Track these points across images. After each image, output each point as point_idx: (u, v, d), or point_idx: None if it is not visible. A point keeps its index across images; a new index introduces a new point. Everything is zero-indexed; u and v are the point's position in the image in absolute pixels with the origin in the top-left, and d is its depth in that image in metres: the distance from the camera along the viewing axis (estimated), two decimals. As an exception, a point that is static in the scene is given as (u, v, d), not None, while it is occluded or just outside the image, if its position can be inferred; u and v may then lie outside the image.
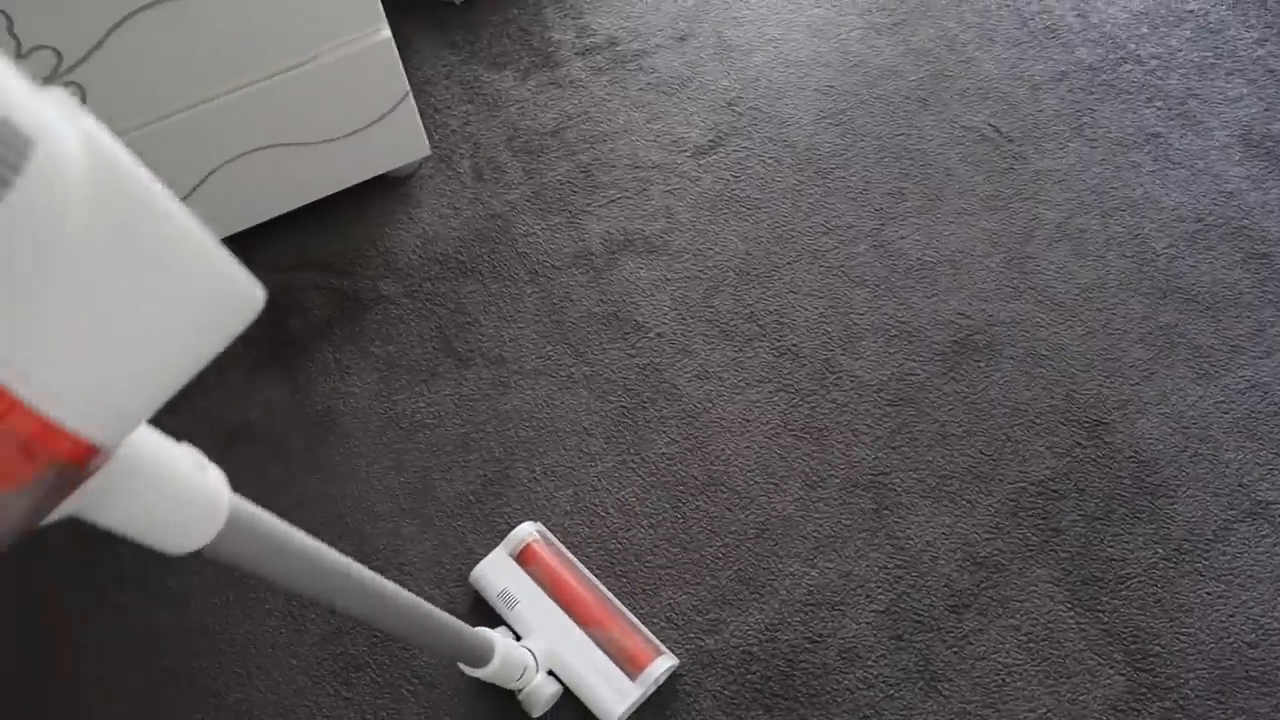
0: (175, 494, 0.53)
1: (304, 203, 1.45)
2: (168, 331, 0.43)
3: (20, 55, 1.12)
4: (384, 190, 1.52)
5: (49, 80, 1.15)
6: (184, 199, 1.34)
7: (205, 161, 1.33)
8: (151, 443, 0.51)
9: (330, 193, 1.47)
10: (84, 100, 1.19)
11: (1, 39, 1.09)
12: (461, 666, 1.05)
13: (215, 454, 1.34)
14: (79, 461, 0.42)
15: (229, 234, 1.44)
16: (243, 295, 0.44)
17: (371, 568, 1.26)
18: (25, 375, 0.39)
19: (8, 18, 1.09)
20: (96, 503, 0.49)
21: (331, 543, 1.28)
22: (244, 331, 1.42)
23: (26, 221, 0.36)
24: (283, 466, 1.33)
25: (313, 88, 1.30)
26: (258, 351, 1.41)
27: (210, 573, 1.27)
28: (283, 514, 1.30)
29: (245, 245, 1.48)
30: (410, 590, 1.25)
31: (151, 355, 0.43)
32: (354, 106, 1.35)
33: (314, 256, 1.47)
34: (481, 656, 0.99)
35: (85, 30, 1.13)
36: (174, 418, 1.37)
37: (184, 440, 1.36)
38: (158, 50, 1.19)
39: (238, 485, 1.32)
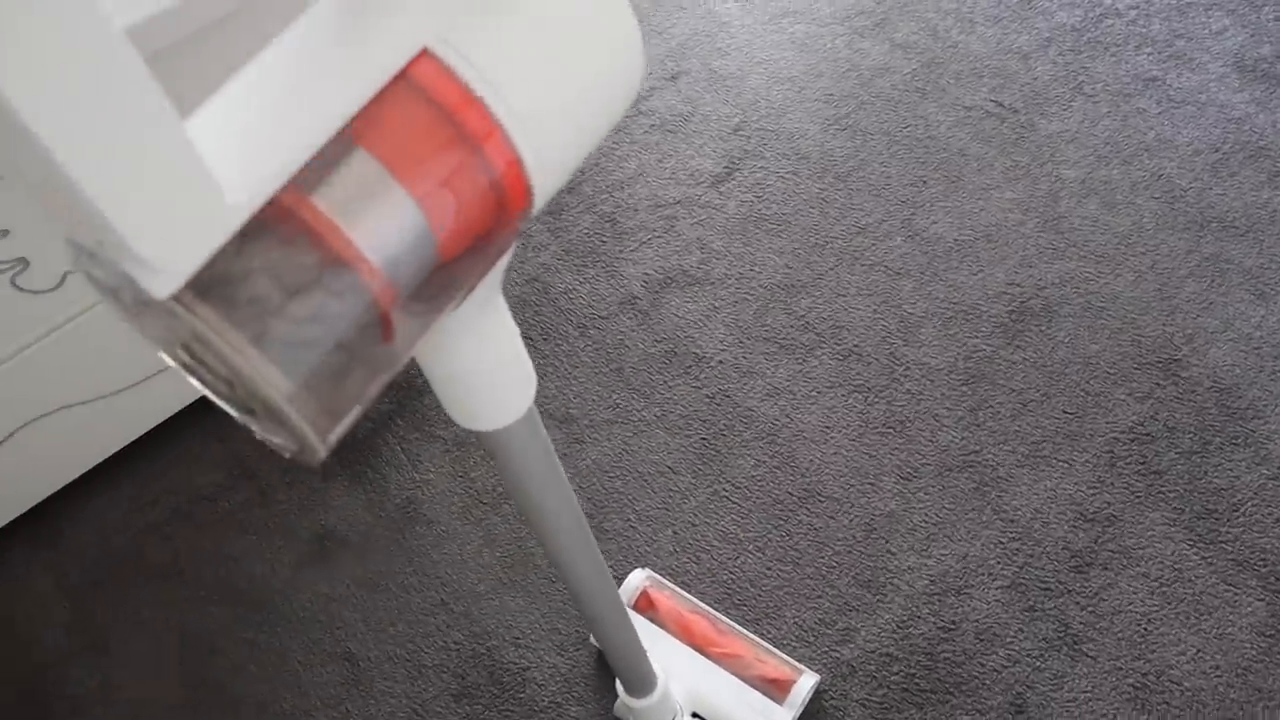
0: (516, 351, 0.52)
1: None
2: (599, 82, 0.41)
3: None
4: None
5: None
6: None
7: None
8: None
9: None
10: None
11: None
12: (621, 697, 1.02)
13: (305, 563, 1.32)
14: (520, 215, 0.40)
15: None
16: (639, 60, 0.42)
17: (487, 648, 1.24)
18: (506, 98, 0.37)
19: None
20: (454, 343, 0.48)
21: (440, 631, 1.25)
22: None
23: None
24: (375, 565, 1.30)
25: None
26: (325, 460, 1.39)
27: (324, 684, 1.24)
28: (386, 611, 1.27)
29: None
30: (531, 661, 1.22)
31: (586, 107, 0.41)
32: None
33: (359, 355, 1.46)
34: (647, 682, 0.97)
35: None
36: (250, 537, 1.34)
37: (273, 558, 1.33)
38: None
39: (335, 591, 1.29)
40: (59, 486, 1.37)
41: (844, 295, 1.42)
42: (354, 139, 0.34)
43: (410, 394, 1.42)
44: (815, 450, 1.31)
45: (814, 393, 1.35)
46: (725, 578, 1.25)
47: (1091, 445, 1.28)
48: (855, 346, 1.38)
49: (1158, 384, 1.31)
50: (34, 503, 1.36)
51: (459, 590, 1.28)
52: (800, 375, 1.37)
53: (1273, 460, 1.25)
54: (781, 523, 1.27)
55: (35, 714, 1.27)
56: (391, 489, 1.35)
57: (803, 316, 1.41)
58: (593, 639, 1.21)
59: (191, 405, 1.41)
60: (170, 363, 0.38)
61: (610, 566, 1.27)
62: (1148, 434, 1.28)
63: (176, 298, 0.31)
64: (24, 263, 1.13)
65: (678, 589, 1.23)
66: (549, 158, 0.40)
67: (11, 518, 1.35)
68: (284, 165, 0.33)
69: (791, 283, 1.44)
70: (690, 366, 1.39)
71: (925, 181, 1.50)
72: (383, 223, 0.35)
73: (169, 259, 0.29)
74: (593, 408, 1.37)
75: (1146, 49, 1.59)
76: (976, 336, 1.37)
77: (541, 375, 1.41)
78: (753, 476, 1.30)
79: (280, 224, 0.33)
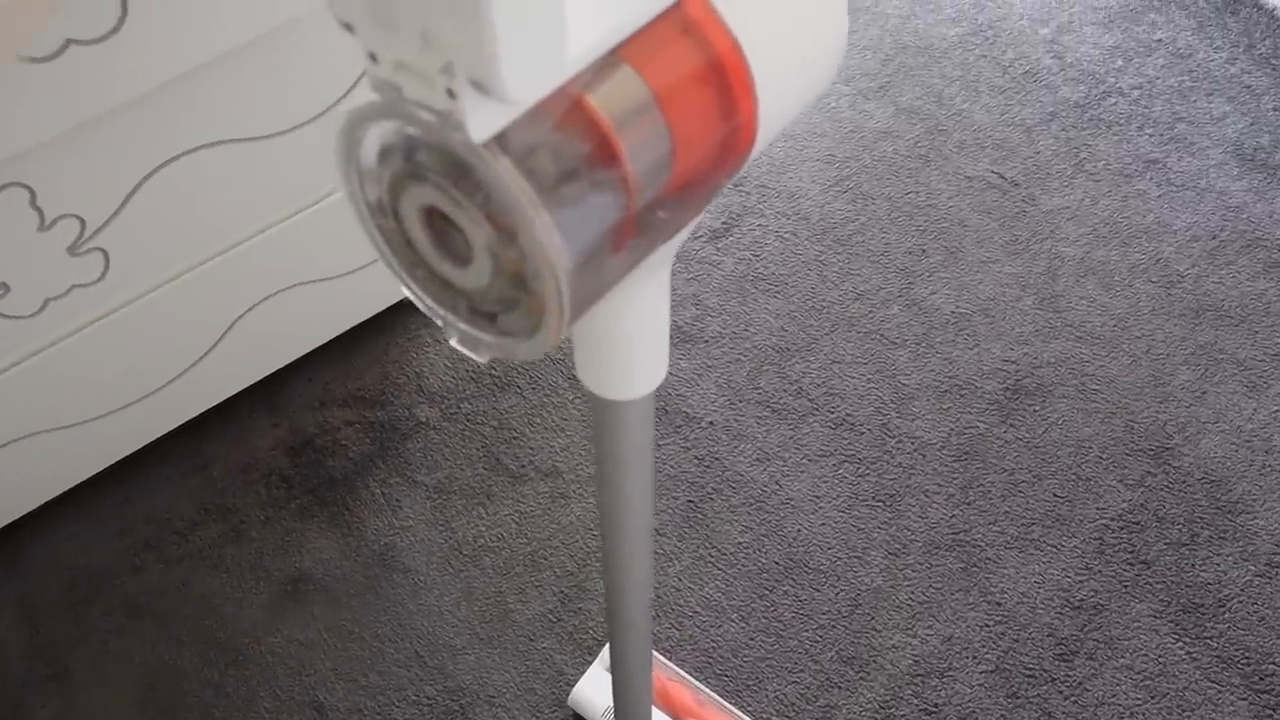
0: (666, 325, 0.55)
1: (328, 338, 1.42)
2: (820, 49, 0.46)
3: (44, 227, 1.08)
4: (404, 313, 1.49)
5: (73, 249, 1.12)
6: (209, 352, 1.30)
7: (231, 310, 1.29)
8: None
9: (353, 324, 1.43)
10: (108, 264, 1.15)
11: (24, 212, 1.06)
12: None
13: (277, 606, 1.28)
14: (731, 171, 0.45)
15: (255, 380, 1.40)
16: (843, 35, 0.47)
17: (460, 705, 1.21)
18: (757, 50, 0.41)
19: (30, 190, 1.05)
20: (626, 298, 0.50)
21: (413, 684, 1.22)
22: (283, 478, 1.37)
23: None
24: (349, 612, 1.27)
25: (335, 220, 1.28)
26: (301, 497, 1.36)
27: (292, 736, 1.20)
28: (358, 660, 1.24)
29: (269, 390, 1.43)
30: (506, 723, 1.20)
31: (808, 72, 0.45)
32: (373, 235, 1.33)
33: (342, 392, 1.43)
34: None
35: (107, 194, 1.10)
36: (222, 575, 1.31)
37: (243, 599, 1.30)
38: (181, 204, 1.16)
39: (306, 636, 1.26)
40: (29, 510, 1.33)
41: (839, 362, 1.41)
42: (627, 60, 0.39)
43: (394, 437, 1.39)
44: (804, 519, 1.30)
45: (805, 460, 1.34)
46: (706, 645, 1.23)
47: (1081, 530, 1.28)
48: (848, 415, 1.37)
49: (1149, 472, 1.31)
50: (4, 522, 1.31)
51: (434, 643, 1.25)
52: (791, 442, 1.35)
53: (1260, 557, 1.25)
54: (766, 592, 1.26)
55: (-13, 749, 1.23)
56: (369, 534, 1.33)
57: (796, 381, 1.40)
58: (570, 701, 1.19)
59: (167, 435, 1.38)
60: (379, 245, 0.42)
61: (591, 629, 1.25)
62: (1137, 522, 1.28)
63: (489, 148, 0.35)
64: (4, 288, 1.10)
65: (658, 655, 1.21)
66: (771, 118, 0.44)
67: (-26, 542, 1.31)
68: (609, 33, 0.37)
69: (786, 345, 1.42)
70: (680, 425, 1.37)
71: (925, 251, 1.49)
72: (641, 138, 0.39)
73: (515, 89, 0.32)
74: (579, 463, 1.35)
75: (1148, 130, 1.59)
76: (970, 412, 1.36)
77: (529, 426, 1.39)
78: (739, 543, 1.29)
79: (561, 109, 0.37)
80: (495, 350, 0.42)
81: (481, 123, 0.34)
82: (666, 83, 0.39)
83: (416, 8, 0.31)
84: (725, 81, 0.41)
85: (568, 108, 0.37)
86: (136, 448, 1.36)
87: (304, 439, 1.40)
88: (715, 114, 0.42)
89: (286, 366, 1.43)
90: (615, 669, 0.88)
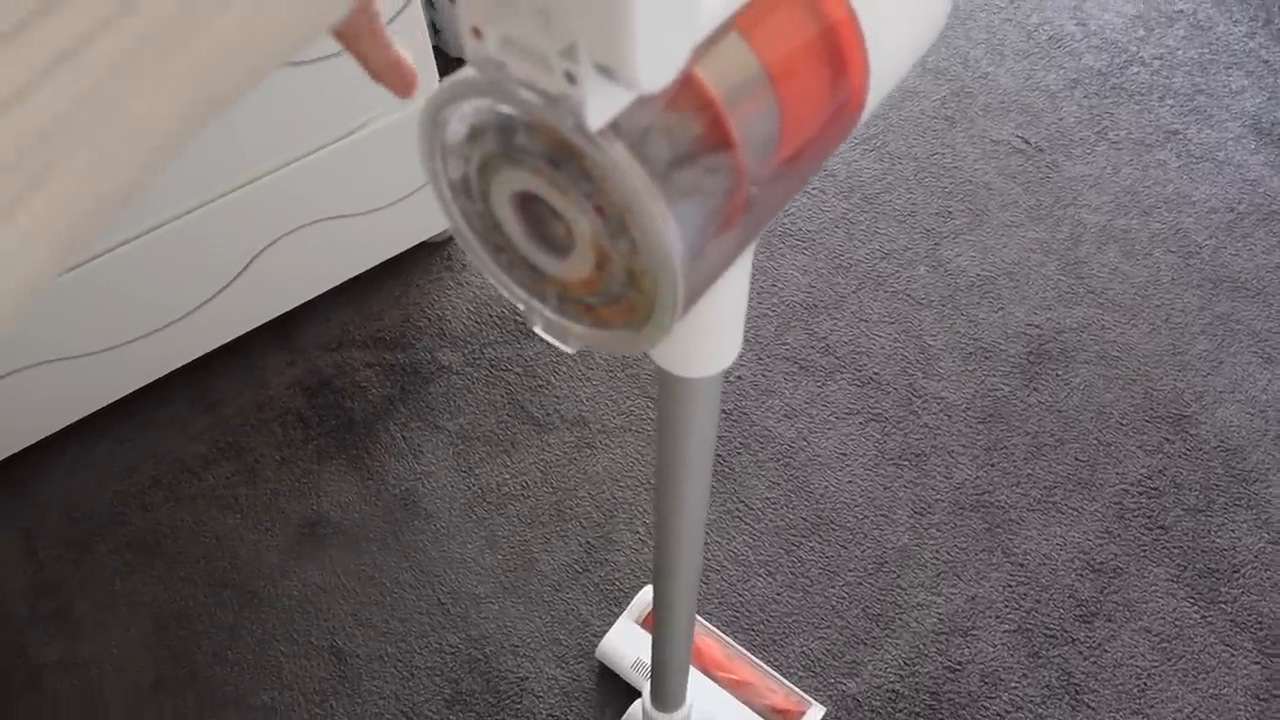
0: (744, 299, 0.52)
1: (348, 277, 1.38)
2: (924, 18, 0.43)
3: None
4: (426, 255, 1.46)
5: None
6: (230, 284, 1.26)
7: (252, 244, 1.25)
8: None
9: (374, 264, 1.40)
10: (133, 191, 1.11)
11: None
12: (645, 709, 1.00)
13: (294, 549, 1.26)
14: (838, 142, 0.42)
15: (274, 316, 1.36)
16: (947, 4, 0.45)
17: (484, 654, 1.20)
18: (871, 24, 0.39)
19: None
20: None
21: (435, 631, 1.21)
22: (300, 419, 1.34)
23: None
24: (369, 557, 1.25)
25: (360, 157, 1.24)
26: (319, 438, 1.33)
27: (308, 679, 1.18)
28: (379, 606, 1.22)
29: (287, 327, 1.40)
30: (530, 671, 1.19)
31: (913, 43, 0.43)
32: (399, 173, 1.30)
33: (361, 333, 1.40)
34: (678, 698, 0.95)
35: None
36: (235, 516, 1.28)
37: (259, 541, 1.27)
38: (208, 130, 1.12)
39: (325, 580, 1.24)
40: (32, 442, 1.29)
41: (866, 321, 1.40)
42: (739, 31, 0.35)
43: (416, 380, 1.36)
44: (830, 477, 1.30)
45: (831, 418, 1.33)
46: (734, 600, 1.23)
47: (1101, 495, 1.29)
48: (875, 374, 1.36)
49: (1167, 439, 1.33)
50: (7, 454, 1.27)
51: (457, 591, 1.23)
52: (818, 398, 1.35)
53: (1273, 525, 1.27)
54: (793, 548, 1.25)
55: (-7, 687, 1.19)
56: (390, 479, 1.30)
57: (824, 338, 1.39)
58: (598, 652, 1.18)
59: (176, 372, 1.34)
60: (460, 226, 0.39)
61: (617, 581, 1.24)
62: (1155, 488, 1.30)
63: (605, 135, 0.31)
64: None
65: (687, 608, 1.20)
66: (879, 84, 0.41)
67: (-21, 474, 1.27)
68: (726, 4, 0.34)
69: (814, 302, 1.42)
70: (707, 378, 1.36)
71: (950, 212, 1.49)
72: (752, 116, 0.36)
73: (648, 77, 0.29)
74: (606, 413, 1.34)
75: (1169, 101, 1.60)
76: (995, 375, 1.37)
77: (554, 374, 1.37)
78: (766, 499, 1.28)
79: (673, 91, 0.33)
80: (589, 341, 0.39)
81: (600, 109, 0.30)
82: (779, 54, 0.36)
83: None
84: (839, 52, 0.38)
85: (679, 85, 0.33)
86: (145, 383, 1.32)
87: (321, 379, 1.37)
88: (827, 86, 0.39)
89: (301, 306, 1.39)
90: (659, 623, 0.87)
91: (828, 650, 1.20)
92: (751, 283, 1.43)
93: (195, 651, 1.21)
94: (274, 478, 1.31)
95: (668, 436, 0.61)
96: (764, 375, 1.36)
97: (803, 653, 1.20)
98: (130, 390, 1.31)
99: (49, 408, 1.27)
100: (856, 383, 1.36)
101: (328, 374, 1.37)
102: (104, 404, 1.31)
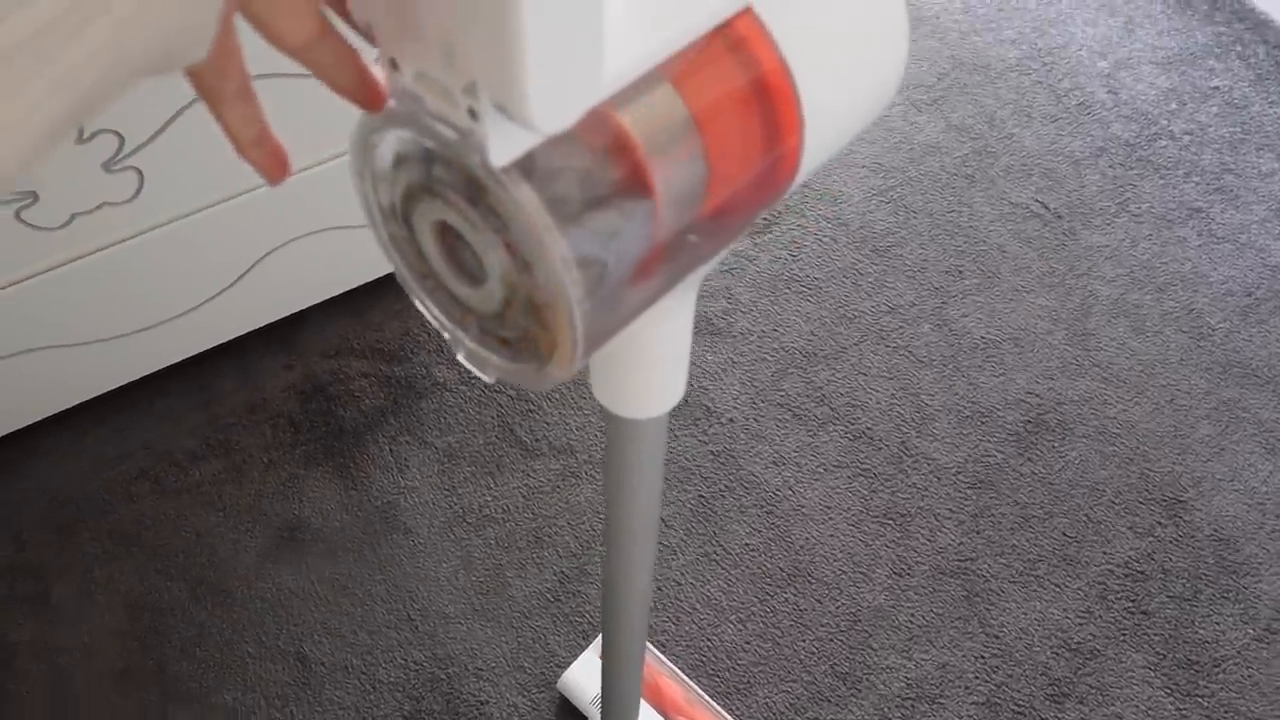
0: (687, 349, 0.52)
1: (351, 286, 1.39)
2: (873, 78, 0.42)
3: (81, 139, 1.05)
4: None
5: (108, 165, 1.09)
6: (233, 285, 1.27)
7: (258, 247, 1.26)
8: None
9: (378, 276, 1.41)
10: (141, 185, 1.12)
11: (67, 123, 1.02)
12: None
13: (271, 552, 1.26)
14: (772, 202, 0.41)
15: (275, 319, 1.37)
16: (902, 60, 0.44)
17: (448, 674, 1.19)
18: (806, 78, 0.38)
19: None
20: (650, 321, 0.48)
21: (401, 647, 1.21)
22: (292, 422, 1.35)
23: None
24: (344, 566, 1.26)
25: (376, 170, 1.25)
26: (308, 444, 1.33)
27: (271, 683, 1.19)
28: (348, 616, 1.22)
29: (288, 331, 1.40)
30: (491, 696, 1.18)
31: (860, 101, 0.42)
32: (412, 188, 1.30)
33: (360, 342, 1.41)
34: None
35: (150, 115, 1.07)
36: (218, 514, 1.28)
37: (238, 541, 1.27)
38: (220, 136, 1.13)
39: (299, 586, 1.24)
40: (25, 424, 1.30)
41: (864, 374, 1.39)
42: (668, 79, 0.35)
43: (409, 394, 1.37)
44: (812, 528, 1.29)
45: (819, 469, 1.33)
46: (702, 644, 1.22)
47: (1085, 573, 1.27)
48: (868, 429, 1.35)
49: (1159, 522, 1.31)
50: (1, 434, 1.29)
51: (427, 609, 1.23)
52: (808, 448, 1.34)
53: (1260, 621, 1.25)
54: (767, 598, 1.25)
55: (-38, 662, 1.20)
56: (374, 490, 1.31)
57: (820, 388, 1.38)
58: (560, 685, 1.18)
59: (176, 365, 1.35)
60: (389, 250, 0.39)
61: (588, 614, 1.23)
62: (1142, 572, 1.28)
63: (508, 174, 0.32)
64: (33, 196, 1.07)
65: (653, 649, 1.20)
66: (818, 147, 0.41)
67: (-30, 450, 1.28)
68: (651, 53, 0.34)
69: (814, 350, 1.41)
70: (699, 419, 1.36)
71: (961, 272, 1.48)
72: (676, 165, 0.36)
73: (543, 119, 0.29)
74: (594, 444, 1.33)
75: (1195, 178, 1.58)
76: (990, 441, 1.35)
77: (547, 400, 1.37)
78: (745, 544, 1.27)
79: (593, 134, 0.34)
80: (503, 374, 0.39)
81: (504, 146, 0.31)
82: (707, 103, 0.36)
83: (443, 19, 0.28)
84: (770, 106, 0.38)
85: (598, 127, 0.34)
86: (142, 374, 1.33)
87: (316, 385, 1.37)
88: (758, 141, 0.38)
89: (303, 312, 1.40)
90: (607, 663, 0.86)
91: (791, 704, 1.19)
92: (751, 324, 1.42)
93: (164, 645, 1.22)
94: (259, 479, 1.31)
95: (612, 473, 0.61)
96: (756, 420, 1.35)
97: (765, 704, 1.19)
98: (128, 380, 1.33)
99: (46, 392, 1.29)
100: (849, 436, 1.35)
101: (323, 380, 1.38)
102: (101, 392, 1.32)
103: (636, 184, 0.35)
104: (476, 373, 0.40)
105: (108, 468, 1.32)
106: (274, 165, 0.39)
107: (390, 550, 1.27)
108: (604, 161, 0.34)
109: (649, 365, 0.52)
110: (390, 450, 1.33)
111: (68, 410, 1.33)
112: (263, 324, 1.36)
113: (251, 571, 1.26)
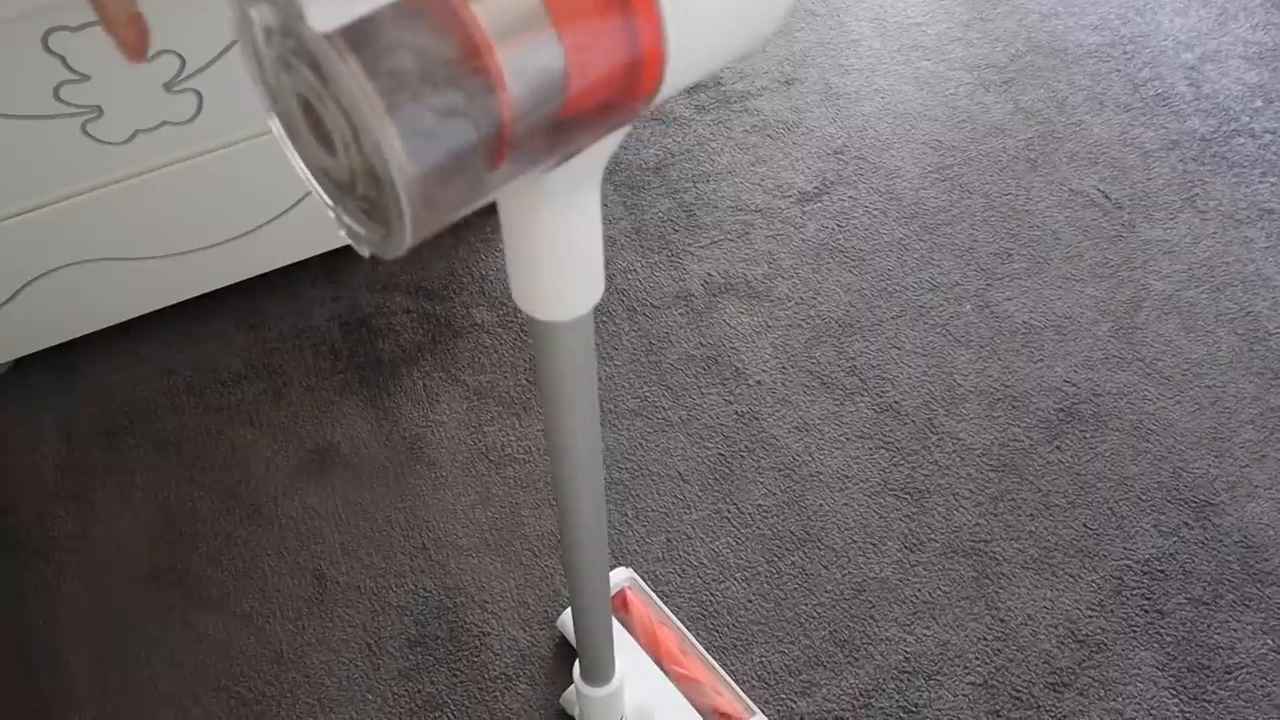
0: (594, 247, 0.52)
1: (401, 224, 1.43)
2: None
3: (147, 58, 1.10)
4: (481, 215, 1.50)
5: (169, 85, 1.14)
6: (286, 212, 1.32)
7: (311, 177, 1.30)
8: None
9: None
10: (200, 108, 1.17)
11: (129, 42, 1.07)
12: (575, 683, 1.01)
13: (301, 472, 1.31)
14: (644, 100, 0.42)
15: (323, 251, 1.41)
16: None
17: (454, 603, 1.23)
18: None
19: (138, 21, 1.07)
20: (541, 214, 0.49)
21: (413, 574, 1.25)
22: (333, 351, 1.40)
23: None
24: (368, 492, 1.30)
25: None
26: (345, 373, 1.38)
27: (287, 596, 1.24)
28: (367, 540, 1.27)
29: (336, 263, 1.45)
30: (493, 628, 1.21)
31: (736, 14, 0.42)
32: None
33: (406, 280, 1.45)
34: (606, 672, 0.96)
35: (211, 37, 1.12)
36: (255, 431, 1.34)
37: (271, 459, 1.33)
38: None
39: (323, 507, 1.29)
40: (83, 333, 1.37)
41: (898, 349, 1.38)
42: None
43: (447, 332, 1.40)
44: (828, 496, 1.29)
45: (842, 438, 1.33)
46: (705, 599, 1.23)
47: (1102, 566, 1.25)
48: (896, 403, 1.35)
49: (1186, 523, 1.28)
50: (54, 343, 1.36)
51: (442, 539, 1.27)
52: (833, 417, 1.34)
53: (1281, 631, 1.21)
54: (775, 559, 1.25)
55: (7, 542, 1.28)
56: (403, 422, 1.34)
57: (852, 359, 1.38)
58: (559, 623, 1.20)
59: (227, 289, 1.41)
60: (275, 126, 0.40)
61: (595, 557, 1.25)
62: (1162, 571, 1.25)
63: (332, 42, 0.32)
64: (98, 111, 1.12)
65: (655, 597, 1.21)
66: (688, 53, 0.41)
67: (30, 351, 1.35)
68: None
69: (850, 321, 1.40)
70: (728, 379, 1.36)
71: (1010, 255, 1.46)
72: (527, 54, 0.36)
73: None
74: (620, 394, 1.35)
75: (1271, 178, 1.53)
76: (1019, 426, 1.33)
77: (578, 348, 1.39)
78: (759, 505, 1.28)
79: (438, 12, 0.34)
80: (369, 245, 0.40)
81: (325, 12, 0.31)
82: (564, 3, 0.36)
83: None
84: (630, 12, 0.38)
85: (438, 6, 0.34)
86: (195, 294, 1.39)
87: (360, 317, 1.42)
88: (618, 32, 0.38)
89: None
90: (572, 590, 0.87)
91: (786, 666, 1.20)
92: (791, 290, 1.42)
93: (192, 551, 1.28)
94: (297, 402, 1.36)
95: (544, 386, 0.62)
96: (784, 385, 1.36)
97: (761, 663, 1.20)
98: (183, 299, 1.39)
99: (107, 302, 1.35)
100: (875, 408, 1.35)
101: (367, 312, 1.42)
102: (158, 307, 1.38)
103: (477, 65, 0.35)
104: (356, 247, 0.41)
105: (158, 381, 1.39)
106: (136, 42, 0.41)
107: (413, 480, 1.31)
108: (442, 39, 0.34)
109: (556, 263, 0.53)
110: (423, 385, 1.37)
111: (129, 322, 1.39)
112: (314, 254, 1.41)
113: (280, 489, 1.31)
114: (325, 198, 0.41)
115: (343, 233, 0.41)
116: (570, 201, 0.49)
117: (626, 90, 0.40)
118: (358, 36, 0.33)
